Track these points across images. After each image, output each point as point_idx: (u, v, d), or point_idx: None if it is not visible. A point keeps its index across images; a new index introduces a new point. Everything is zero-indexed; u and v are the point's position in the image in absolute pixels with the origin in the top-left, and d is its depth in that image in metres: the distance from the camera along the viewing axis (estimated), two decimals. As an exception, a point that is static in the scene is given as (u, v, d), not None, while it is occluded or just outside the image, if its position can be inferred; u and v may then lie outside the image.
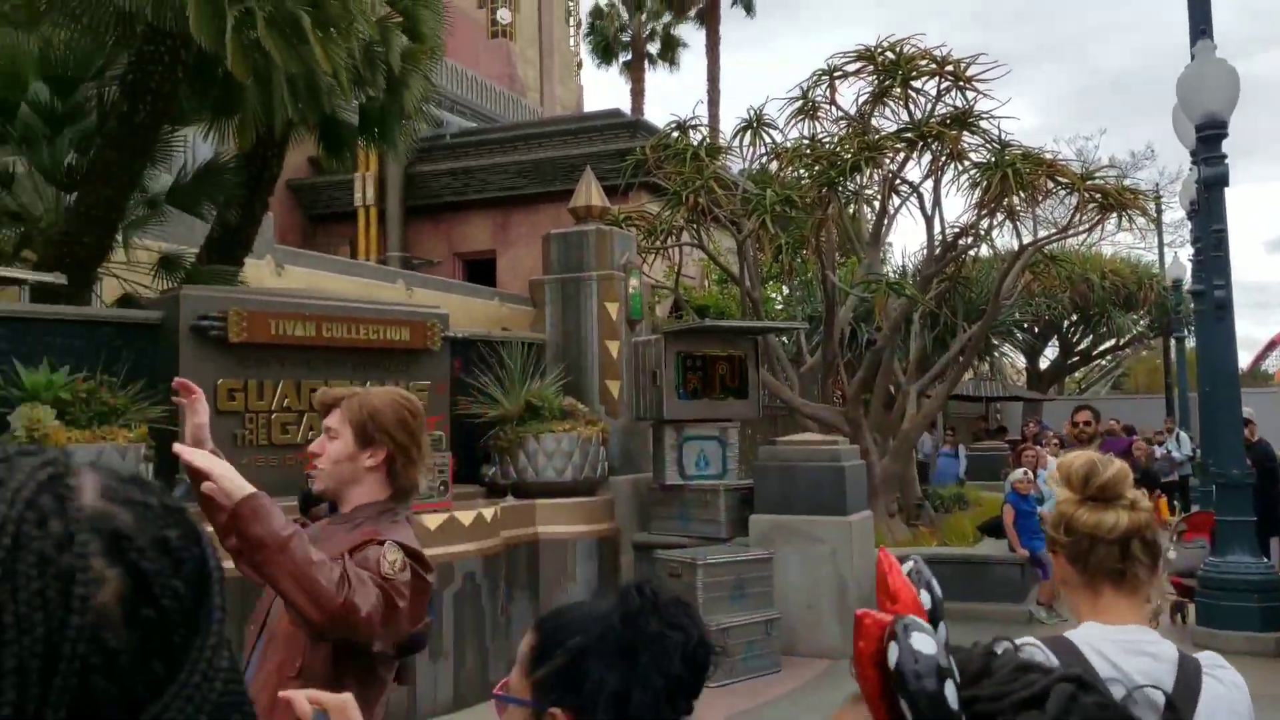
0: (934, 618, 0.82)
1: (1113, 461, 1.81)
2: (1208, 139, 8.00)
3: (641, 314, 9.26)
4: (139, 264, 8.65)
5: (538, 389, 8.32)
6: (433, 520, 6.78)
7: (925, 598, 0.84)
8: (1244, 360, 45.41)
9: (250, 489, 2.21)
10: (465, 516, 7.03)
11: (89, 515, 0.62)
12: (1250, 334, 74.15)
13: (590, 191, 9.29)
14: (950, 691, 0.73)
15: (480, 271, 17.40)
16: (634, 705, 1.34)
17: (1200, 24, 8.12)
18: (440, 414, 7.83)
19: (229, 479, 2.20)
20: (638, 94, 29.95)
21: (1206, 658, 1.77)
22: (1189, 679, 1.70)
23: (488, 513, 7.29)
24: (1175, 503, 14.33)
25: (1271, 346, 51.32)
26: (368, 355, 7.44)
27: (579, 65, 28.02)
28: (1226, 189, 8.13)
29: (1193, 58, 8.11)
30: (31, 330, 6.13)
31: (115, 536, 0.62)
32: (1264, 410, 14.14)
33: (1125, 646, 1.72)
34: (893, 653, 0.79)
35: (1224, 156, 8.00)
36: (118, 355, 6.37)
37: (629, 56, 30.58)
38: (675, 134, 11.36)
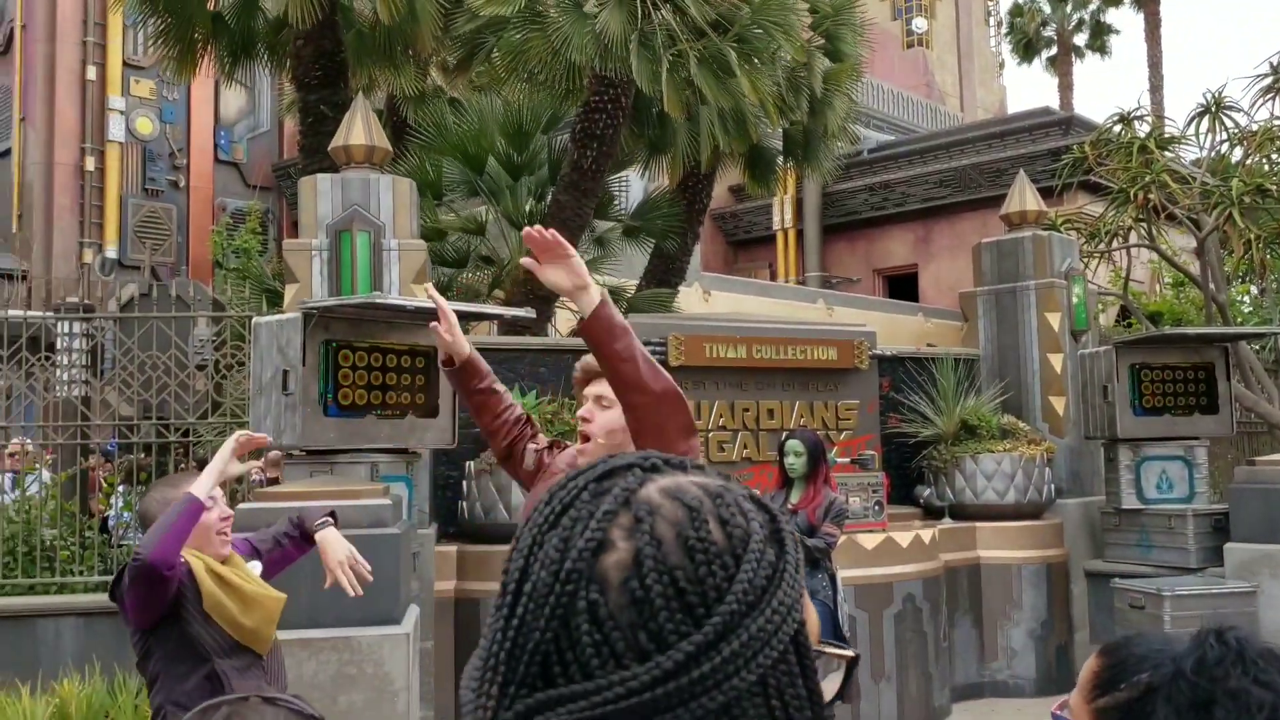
0: None
1: None
2: None
3: (1087, 324, 8.57)
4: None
5: (973, 407, 7.96)
6: (869, 540, 6.70)
7: None
8: None
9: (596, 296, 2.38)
10: (902, 538, 6.87)
11: (635, 499, 0.75)
12: None
13: (1025, 195, 8.76)
14: None
15: (901, 287, 17.12)
16: None
17: None
18: (871, 433, 7.73)
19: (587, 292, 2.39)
20: (1065, 89, 28.04)
21: None
22: None
23: (925, 535, 7.08)
24: None
25: None
26: (795, 375, 7.51)
27: (1000, 66, 26.77)
28: None
29: None
30: (506, 359, 6.85)
31: (637, 519, 0.73)
32: None
33: None
34: None
35: None
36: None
37: (1053, 51, 28.75)
38: (1117, 127, 10.45)
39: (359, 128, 6.41)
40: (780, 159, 10.13)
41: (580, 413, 2.69)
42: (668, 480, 0.76)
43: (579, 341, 8.34)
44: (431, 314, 5.62)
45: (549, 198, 8.87)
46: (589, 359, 2.70)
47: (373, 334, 5.43)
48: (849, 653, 0.87)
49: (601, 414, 2.64)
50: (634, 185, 11.57)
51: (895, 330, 12.39)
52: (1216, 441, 8.93)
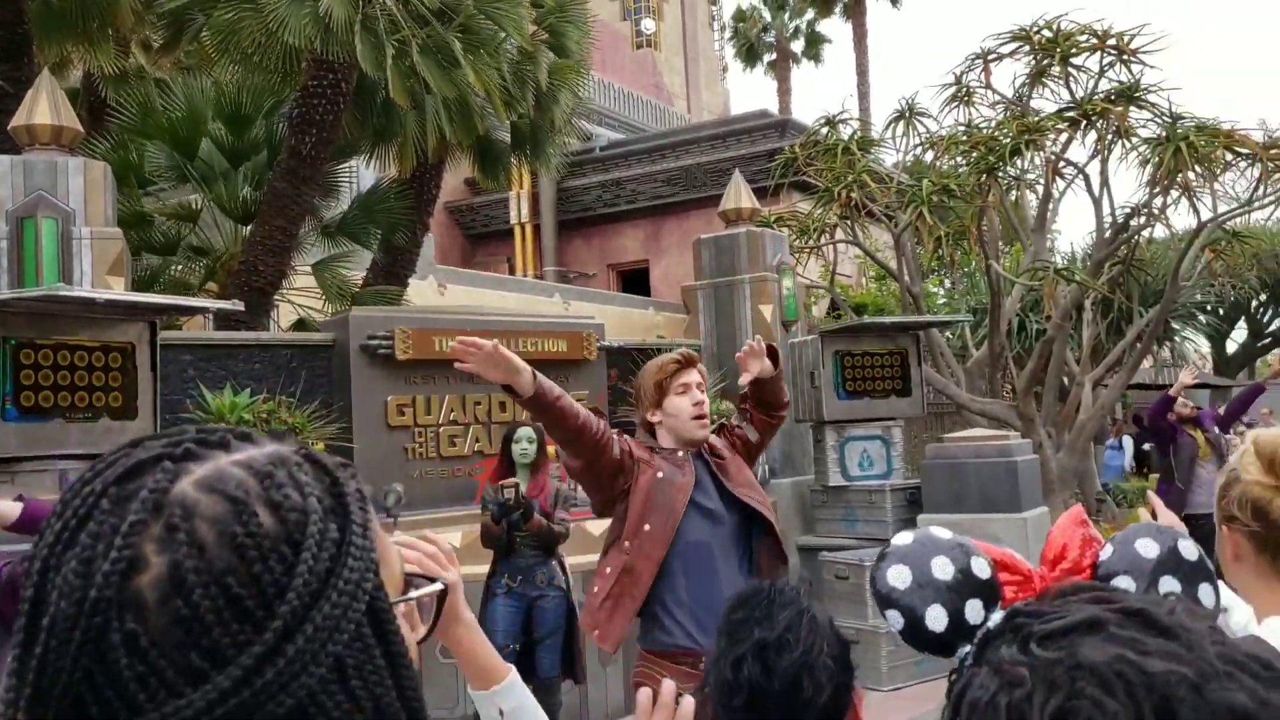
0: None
1: None
2: None
3: (796, 315, 9.13)
4: (311, 289, 9.07)
5: (695, 394, 8.29)
6: (596, 527, 6.83)
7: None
8: None
9: None
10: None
11: (166, 501, 0.63)
12: None
13: (740, 194, 9.22)
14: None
15: (634, 281, 17.56)
16: (714, 689, 1.45)
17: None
18: (600, 422, 7.90)
19: None
20: (784, 94, 29.69)
21: None
22: None
23: (651, 519, 7.30)
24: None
25: None
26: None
27: (724, 70, 27.95)
28: None
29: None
30: (216, 355, 6.50)
31: (170, 527, 0.62)
32: None
33: None
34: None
35: None
36: (295, 376, 6.68)
37: (773, 57, 30.36)
38: (825, 130, 11.18)
39: (44, 106, 5.90)
40: (510, 153, 10.14)
41: (700, 398, 3.30)
42: (206, 468, 0.66)
43: (298, 336, 7.99)
44: (124, 307, 5.25)
45: (267, 185, 8.47)
46: (689, 351, 3.45)
47: (60, 330, 5.01)
48: (437, 587, 0.85)
49: (704, 397, 3.33)
50: (365, 177, 11.25)
51: (628, 323, 12.71)
52: (911, 421, 9.74)
